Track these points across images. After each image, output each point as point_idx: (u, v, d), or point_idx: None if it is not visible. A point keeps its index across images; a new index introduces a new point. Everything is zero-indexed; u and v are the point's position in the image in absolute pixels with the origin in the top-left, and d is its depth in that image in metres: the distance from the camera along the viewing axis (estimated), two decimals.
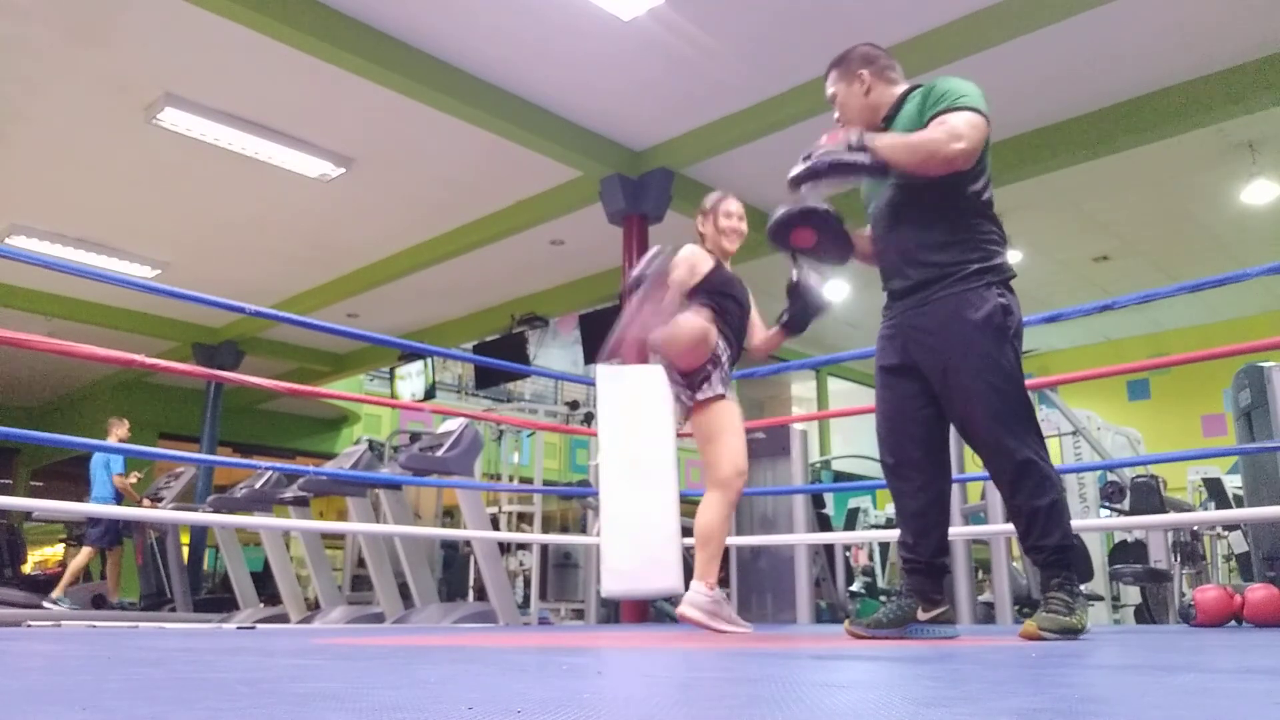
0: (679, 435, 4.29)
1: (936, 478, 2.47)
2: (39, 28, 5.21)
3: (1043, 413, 7.74)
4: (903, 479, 2.48)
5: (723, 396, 3.05)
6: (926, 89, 2.39)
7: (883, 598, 8.94)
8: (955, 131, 2.23)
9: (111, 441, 7.74)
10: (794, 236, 2.49)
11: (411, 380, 10.37)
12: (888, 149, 2.26)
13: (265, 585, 8.24)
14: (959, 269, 2.33)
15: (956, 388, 2.33)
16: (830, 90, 2.57)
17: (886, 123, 2.47)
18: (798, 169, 2.28)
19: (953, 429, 2.48)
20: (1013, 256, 8.53)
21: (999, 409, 2.28)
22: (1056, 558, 2.27)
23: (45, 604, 7.41)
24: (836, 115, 2.57)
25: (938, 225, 2.37)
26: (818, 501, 7.13)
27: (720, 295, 3.14)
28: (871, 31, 5.15)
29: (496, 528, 7.59)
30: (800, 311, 2.98)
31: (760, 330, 3.24)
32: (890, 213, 2.46)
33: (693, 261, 3.14)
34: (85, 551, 7.87)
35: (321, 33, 5.08)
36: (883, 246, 2.52)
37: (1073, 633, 2.20)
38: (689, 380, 3.05)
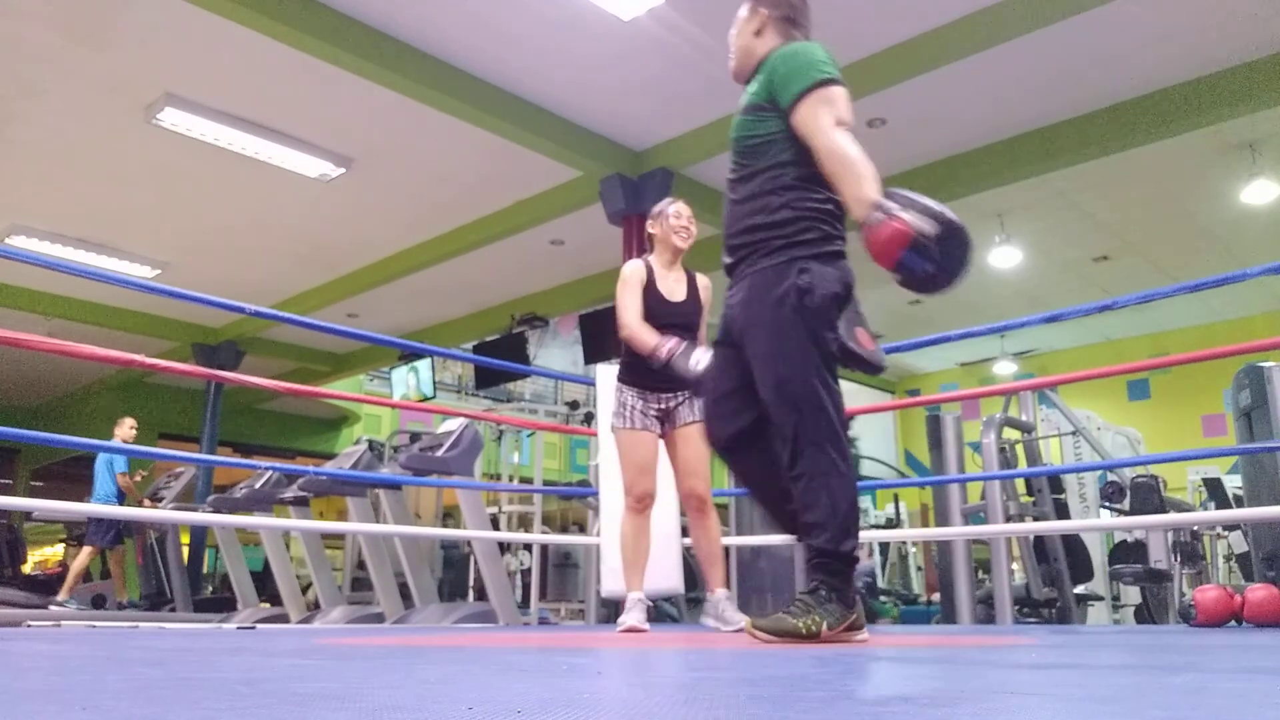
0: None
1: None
2: (39, 28, 5.21)
3: (1043, 412, 7.73)
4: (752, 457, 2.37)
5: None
6: (771, 65, 2.32)
7: (883, 597, 8.95)
8: (837, 119, 2.18)
9: (115, 439, 7.73)
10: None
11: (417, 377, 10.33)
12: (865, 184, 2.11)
13: (265, 585, 8.24)
14: (761, 247, 2.26)
15: (753, 364, 2.26)
16: (738, 14, 2.51)
17: (752, 74, 2.41)
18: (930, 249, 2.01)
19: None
20: (1012, 256, 8.57)
21: (782, 388, 2.18)
22: (820, 561, 2.10)
23: (52, 606, 7.41)
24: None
25: (749, 204, 2.31)
26: None
27: (661, 328, 3.15)
28: (871, 31, 5.18)
29: (496, 528, 7.59)
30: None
31: None
32: (726, 192, 2.43)
33: (623, 284, 3.23)
34: (86, 551, 7.85)
35: (321, 33, 5.08)
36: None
37: (795, 636, 2.04)
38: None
